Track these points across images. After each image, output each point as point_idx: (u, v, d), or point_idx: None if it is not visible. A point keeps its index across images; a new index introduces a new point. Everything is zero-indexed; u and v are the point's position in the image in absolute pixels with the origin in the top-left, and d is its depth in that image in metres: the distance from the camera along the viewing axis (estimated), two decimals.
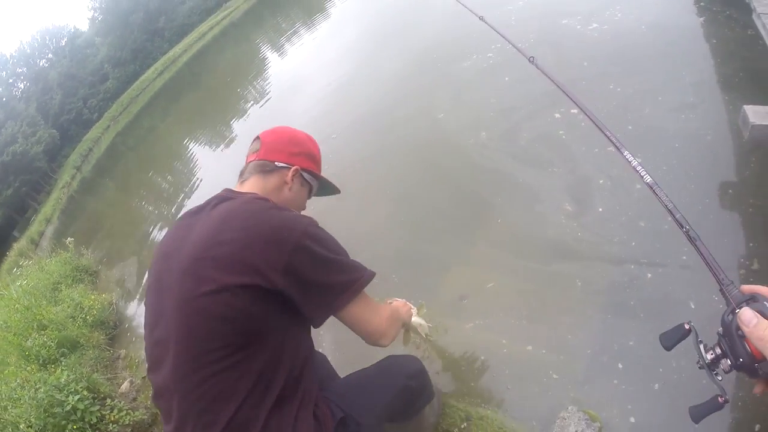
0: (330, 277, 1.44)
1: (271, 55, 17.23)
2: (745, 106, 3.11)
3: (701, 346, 0.98)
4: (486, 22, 2.71)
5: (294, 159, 1.71)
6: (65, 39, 55.85)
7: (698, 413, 0.98)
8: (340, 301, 1.46)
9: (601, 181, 3.41)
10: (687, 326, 1.04)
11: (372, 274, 1.55)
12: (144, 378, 4.36)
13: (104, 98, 50.19)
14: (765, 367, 0.83)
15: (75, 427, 3.58)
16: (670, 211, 1.15)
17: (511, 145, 4.25)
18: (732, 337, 0.88)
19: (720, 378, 0.95)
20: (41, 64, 53.20)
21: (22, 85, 51.92)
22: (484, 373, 2.65)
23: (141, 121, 28.79)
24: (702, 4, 4.91)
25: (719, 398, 0.94)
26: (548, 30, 5.78)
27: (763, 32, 3.40)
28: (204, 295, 1.30)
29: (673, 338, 1.06)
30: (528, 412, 2.42)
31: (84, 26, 61.58)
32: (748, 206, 2.81)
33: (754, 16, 3.61)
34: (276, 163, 1.68)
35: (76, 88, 51.13)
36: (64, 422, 3.61)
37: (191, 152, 11.64)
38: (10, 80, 51.84)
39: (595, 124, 1.46)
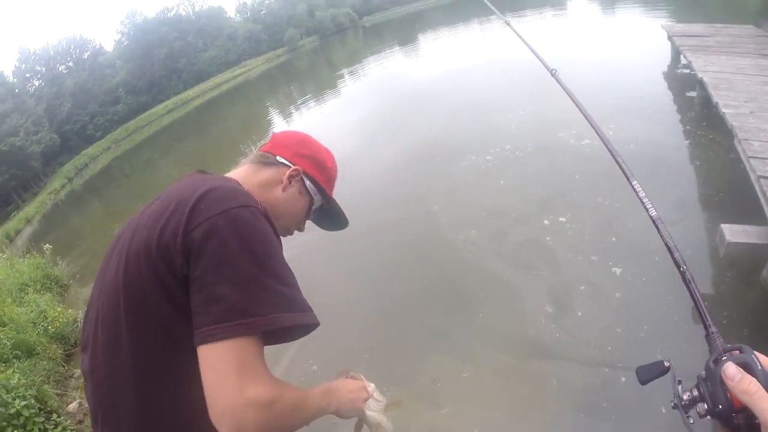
0: (222, 287, 0.97)
1: (277, 119, 17.83)
2: (723, 225, 3.29)
3: (679, 387, 0.98)
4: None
5: (299, 160, 1.43)
6: (88, 53, 57.74)
7: None
8: (208, 331, 0.94)
9: (582, 287, 3.54)
10: (666, 364, 1.04)
11: (290, 321, 1.02)
12: None
13: (111, 120, 51.48)
14: (741, 418, 0.83)
15: None
16: (669, 249, 1.14)
17: (499, 246, 4.39)
18: (715, 384, 0.88)
19: (692, 421, 0.94)
20: (60, 69, 54.45)
21: (36, 83, 52.92)
22: None
23: (141, 151, 29.07)
24: (688, 127, 5.31)
25: None
26: (545, 140, 6.18)
27: (743, 156, 3.64)
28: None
29: (650, 373, 1.05)
30: None
31: (109, 46, 64.02)
32: (722, 318, 2.96)
33: (735, 141, 3.90)
34: (278, 157, 1.41)
35: (87, 102, 52.14)
36: (4, 424, 3.43)
37: None
38: (27, 74, 52.79)
39: (610, 151, 1.51)
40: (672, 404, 0.96)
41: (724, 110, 4.30)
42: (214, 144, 17.83)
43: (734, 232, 3.21)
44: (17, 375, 3.76)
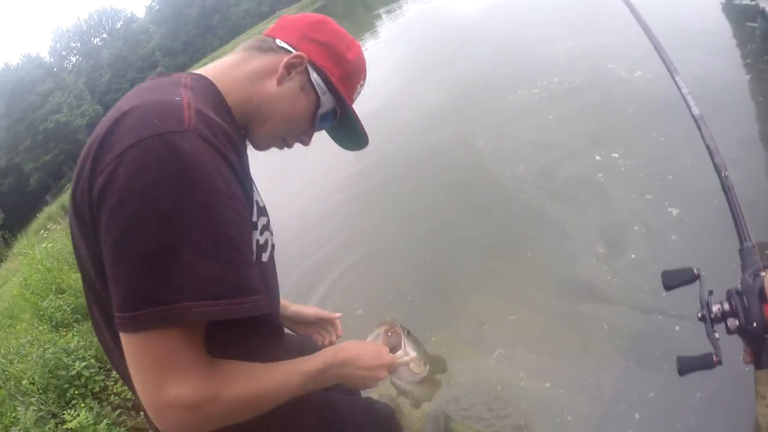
0: (121, 266, 0.75)
1: None
2: None
3: (710, 297, 0.91)
4: None
5: (306, 45, 1.06)
6: (121, 22, 58.76)
7: (687, 365, 0.92)
8: (118, 319, 0.76)
9: (636, 228, 3.36)
10: (696, 271, 0.97)
11: (208, 313, 0.76)
12: None
13: None
14: None
15: (77, 392, 3.57)
16: (710, 152, 1.04)
17: (548, 182, 4.22)
18: (752, 298, 0.81)
19: (718, 336, 0.88)
20: (95, 42, 55.95)
21: (74, 59, 54.83)
22: (497, 405, 2.59)
23: None
24: (749, 61, 4.87)
25: (714, 357, 0.88)
26: (595, 72, 5.80)
27: None
28: None
29: (677, 279, 0.99)
30: None
31: (140, 13, 64.68)
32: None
33: None
34: (277, 41, 1.07)
35: (125, 70, 53.06)
36: (66, 386, 3.61)
37: None
38: (63, 53, 54.80)
39: (651, 41, 1.36)
40: (699, 315, 0.91)
41: None
42: None
43: None
44: (76, 338, 3.91)
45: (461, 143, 5.51)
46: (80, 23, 55.36)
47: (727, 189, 0.99)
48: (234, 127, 0.95)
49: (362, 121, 1.19)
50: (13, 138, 39.75)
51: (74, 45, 54.94)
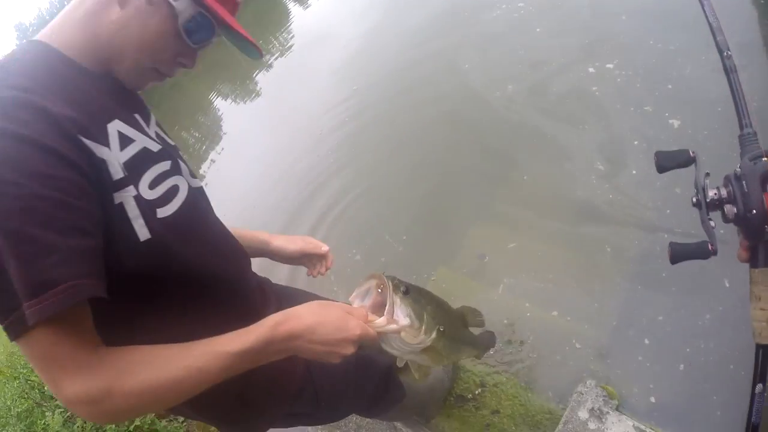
0: None
1: (293, 5, 16.75)
2: None
3: (706, 180, 0.84)
4: None
5: None
6: None
7: (680, 252, 0.86)
8: None
9: (636, 142, 3.21)
10: (692, 153, 0.92)
11: (61, 303, 0.72)
12: None
13: None
14: None
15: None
16: (712, 30, 1.00)
17: (540, 100, 4.02)
18: (753, 183, 0.75)
19: (713, 224, 0.83)
20: None
21: None
22: (504, 338, 2.55)
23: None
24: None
25: (709, 245, 0.82)
26: None
27: None
28: None
29: (671, 160, 0.95)
30: (545, 382, 2.34)
31: None
32: None
33: None
34: None
35: None
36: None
37: (215, 106, 11.48)
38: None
39: None
40: (693, 200, 0.85)
41: None
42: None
43: None
44: (60, 419, 3.64)
45: (447, 69, 5.24)
46: (43, 14, 52.46)
47: (728, 70, 0.95)
48: (78, 83, 0.88)
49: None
50: None
51: None
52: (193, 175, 1.10)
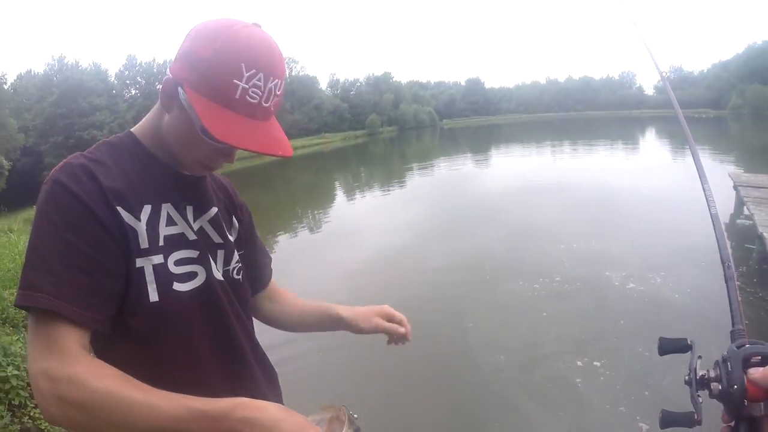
0: None
1: (340, 195, 18.51)
2: None
3: (698, 361, 0.95)
4: None
5: (175, 64, 1.04)
6: None
7: (669, 419, 0.94)
8: None
9: None
10: (689, 341, 1.02)
11: (18, 300, 0.94)
12: None
13: None
14: (752, 409, 0.81)
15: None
16: (719, 245, 1.13)
17: (526, 378, 4.25)
18: (735, 363, 0.86)
19: (701, 400, 0.91)
20: (157, 87, 57.22)
21: (133, 92, 56.98)
22: None
23: None
24: (739, 283, 5.13)
25: (695, 416, 0.91)
26: (594, 278, 6.22)
27: None
28: None
29: (672, 346, 1.05)
30: None
31: None
32: None
33: None
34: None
35: None
36: None
37: None
38: (128, 81, 57.23)
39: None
40: (685, 379, 0.92)
41: None
42: (275, 201, 18.17)
43: None
44: (20, 343, 3.66)
45: (453, 319, 5.57)
46: (152, 64, 58.53)
47: (727, 278, 1.06)
48: (138, 165, 1.09)
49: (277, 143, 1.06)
50: (50, 127, 40.87)
51: (140, 80, 57.73)
52: (228, 270, 1.22)
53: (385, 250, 8.67)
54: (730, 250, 1.09)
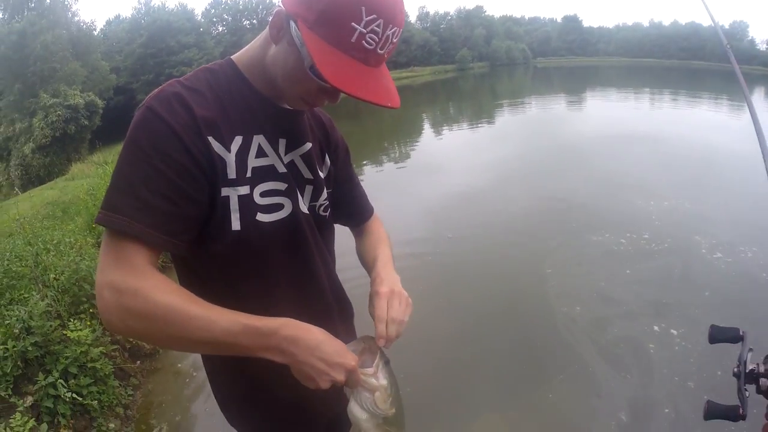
0: None
1: (427, 129, 18.27)
2: None
3: (749, 354, 0.94)
4: None
5: None
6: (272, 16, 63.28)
7: (713, 411, 0.94)
8: None
9: (666, 410, 3.28)
10: (742, 332, 1.01)
11: (98, 218, 0.96)
12: None
13: None
14: None
15: (90, 310, 3.73)
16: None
17: (598, 334, 4.13)
18: None
19: (747, 394, 0.91)
20: (244, 23, 59.60)
21: (220, 29, 58.54)
22: None
23: None
24: None
25: (740, 410, 0.90)
26: (682, 240, 5.83)
27: None
28: None
29: (723, 335, 1.04)
30: None
31: None
32: None
33: None
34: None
35: None
36: (84, 299, 3.78)
37: None
38: (214, 19, 58.80)
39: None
40: (734, 371, 0.94)
41: None
42: (362, 131, 18.18)
43: None
44: None
45: (532, 263, 5.50)
46: (238, 1, 59.37)
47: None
48: (236, 95, 1.09)
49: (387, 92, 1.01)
50: (141, 67, 42.78)
51: (226, 17, 58.65)
52: (315, 206, 1.23)
53: (468, 188, 8.60)
54: None
